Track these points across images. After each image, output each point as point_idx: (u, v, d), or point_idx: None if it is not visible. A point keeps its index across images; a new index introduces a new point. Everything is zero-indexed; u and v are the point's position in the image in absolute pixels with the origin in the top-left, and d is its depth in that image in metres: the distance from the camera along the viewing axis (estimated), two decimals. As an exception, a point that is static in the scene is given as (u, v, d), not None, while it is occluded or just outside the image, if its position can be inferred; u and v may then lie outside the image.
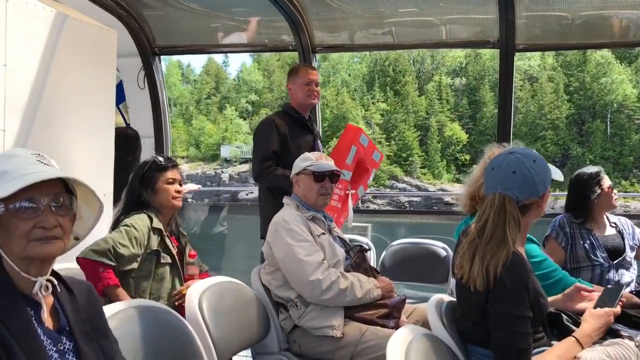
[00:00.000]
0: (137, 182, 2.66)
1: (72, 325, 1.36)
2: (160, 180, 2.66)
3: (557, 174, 1.99)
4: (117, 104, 4.45)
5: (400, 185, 46.83)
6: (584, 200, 3.35)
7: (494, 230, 1.83)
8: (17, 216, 1.27)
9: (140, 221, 2.53)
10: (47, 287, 1.32)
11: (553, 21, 4.37)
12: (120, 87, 4.80)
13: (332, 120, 48.10)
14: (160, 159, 2.71)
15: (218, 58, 63.54)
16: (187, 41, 5.20)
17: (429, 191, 45.32)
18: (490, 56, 51.83)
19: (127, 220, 2.54)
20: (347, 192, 3.75)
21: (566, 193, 3.49)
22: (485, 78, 52.30)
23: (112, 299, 2.37)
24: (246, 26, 4.87)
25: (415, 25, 4.68)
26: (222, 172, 53.43)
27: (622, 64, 49.21)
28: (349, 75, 56.58)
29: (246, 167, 52.86)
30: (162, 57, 5.07)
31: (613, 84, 47.25)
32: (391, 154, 48.57)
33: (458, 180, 48.01)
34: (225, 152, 56.16)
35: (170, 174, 2.69)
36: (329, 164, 2.89)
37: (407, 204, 32.20)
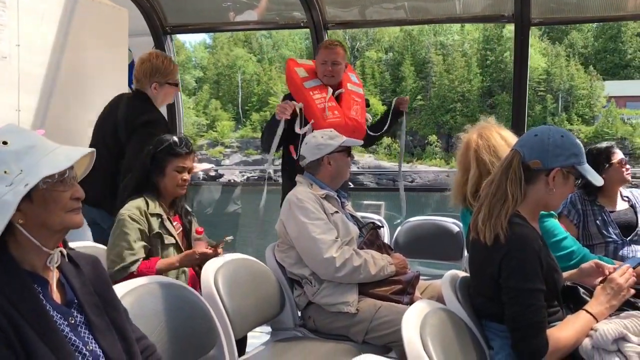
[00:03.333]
0: (149, 160, 2.65)
1: (80, 298, 1.36)
2: (170, 165, 2.62)
3: (596, 179, 1.95)
4: (130, 84, 4.46)
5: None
6: None
7: (498, 184, 1.88)
8: (56, 189, 1.29)
9: (135, 209, 2.51)
10: (57, 259, 1.34)
11: (569, -7, 4.29)
12: (132, 67, 4.81)
13: (262, 95, 52.32)
14: (178, 142, 2.65)
15: (182, 37, 64.67)
16: (198, 19, 5.17)
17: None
18: (418, 32, 53.56)
19: (124, 212, 2.51)
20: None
21: None
22: (409, 53, 53.86)
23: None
24: (257, 3, 4.83)
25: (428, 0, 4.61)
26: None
27: (540, 38, 51.27)
28: (290, 52, 58.24)
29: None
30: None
31: (521, 57, 49.81)
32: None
33: (371, 151, 50.43)
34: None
35: (181, 162, 2.64)
36: (354, 139, 2.95)
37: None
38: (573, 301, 1.96)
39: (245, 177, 37.75)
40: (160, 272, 2.45)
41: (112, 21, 3.50)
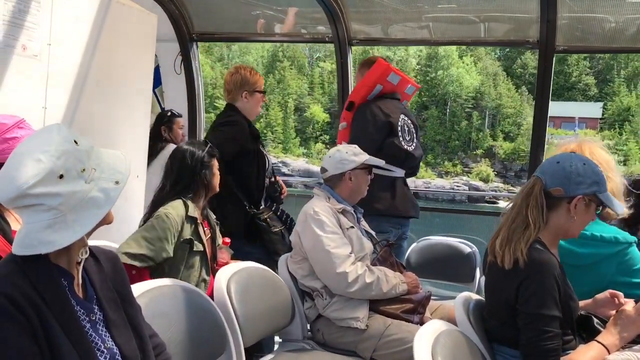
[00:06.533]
0: (199, 164, 2.71)
1: (99, 294, 1.38)
2: (214, 164, 2.79)
3: (617, 207, 1.93)
4: (153, 88, 4.52)
5: (246, 158, 52.29)
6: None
7: (518, 211, 1.89)
8: None
9: (174, 210, 2.55)
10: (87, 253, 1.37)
11: (595, 24, 4.28)
12: (157, 72, 4.87)
13: (212, 99, 53.09)
14: (210, 147, 2.81)
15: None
16: (224, 29, 5.24)
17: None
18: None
19: (162, 210, 2.55)
20: None
21: None
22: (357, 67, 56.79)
23: None
24: (284, 16, 4.88)
25: (453, 21, 4.63)
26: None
27: (464, 57, 55.15)
28: (253, 60, 60.08)
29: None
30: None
31: (452, 77, 54.16)
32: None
33: (306, 155, 53.77)
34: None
35: (216, 162, 2.81)
36: (378, 158, 2.98)
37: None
38: (586, 331, 1.94)
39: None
40: None
41: (141, 25, 3.55)
